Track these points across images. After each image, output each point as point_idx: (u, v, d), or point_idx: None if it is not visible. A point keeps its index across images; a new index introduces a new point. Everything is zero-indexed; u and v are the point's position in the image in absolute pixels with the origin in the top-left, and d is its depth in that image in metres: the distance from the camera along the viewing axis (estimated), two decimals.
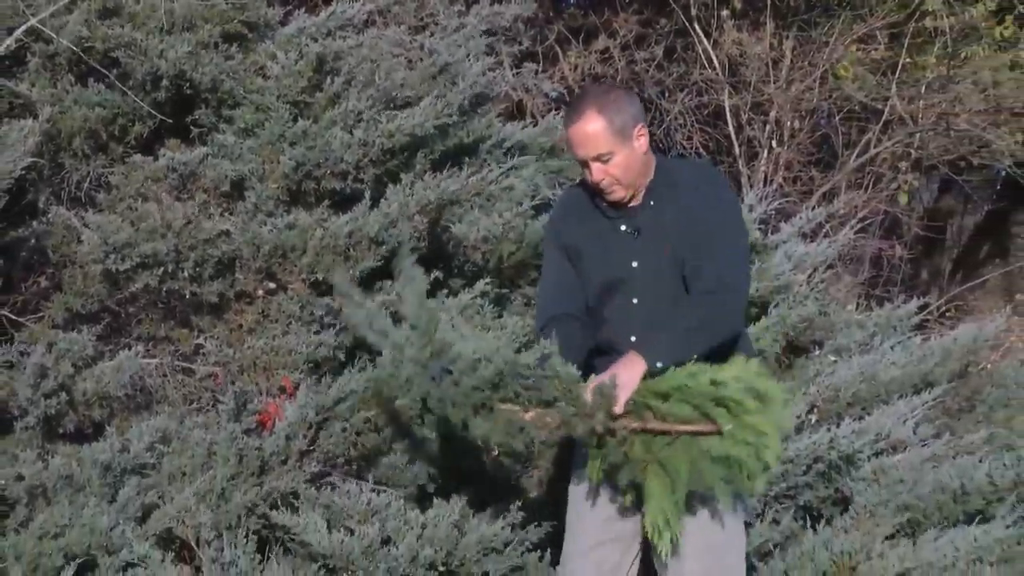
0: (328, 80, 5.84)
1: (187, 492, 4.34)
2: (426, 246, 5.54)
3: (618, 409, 3.41)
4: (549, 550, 4.56)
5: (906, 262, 12.60)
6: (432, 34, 7.22)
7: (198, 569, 4.07)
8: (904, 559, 4.69)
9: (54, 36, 5.45)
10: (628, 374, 3.44)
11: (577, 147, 3.65)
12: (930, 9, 10.47)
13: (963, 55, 10.98)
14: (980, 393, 6.69)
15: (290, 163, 5.49)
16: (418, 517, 4.44)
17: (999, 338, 7.29)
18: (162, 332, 5.24)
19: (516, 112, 9.22)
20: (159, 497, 4.39)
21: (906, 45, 10.88)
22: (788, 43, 11.07)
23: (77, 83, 5.57)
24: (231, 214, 5.44)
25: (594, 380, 3.45)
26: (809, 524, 5.11)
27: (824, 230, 8.74)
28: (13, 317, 4.99)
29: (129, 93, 5.55)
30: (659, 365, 3.46)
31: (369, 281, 5.40)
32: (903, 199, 11.59)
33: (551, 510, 4.55)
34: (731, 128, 11.17)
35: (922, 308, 7.23)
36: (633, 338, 3.65)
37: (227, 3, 5.99)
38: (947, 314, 11.28)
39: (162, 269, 5.06)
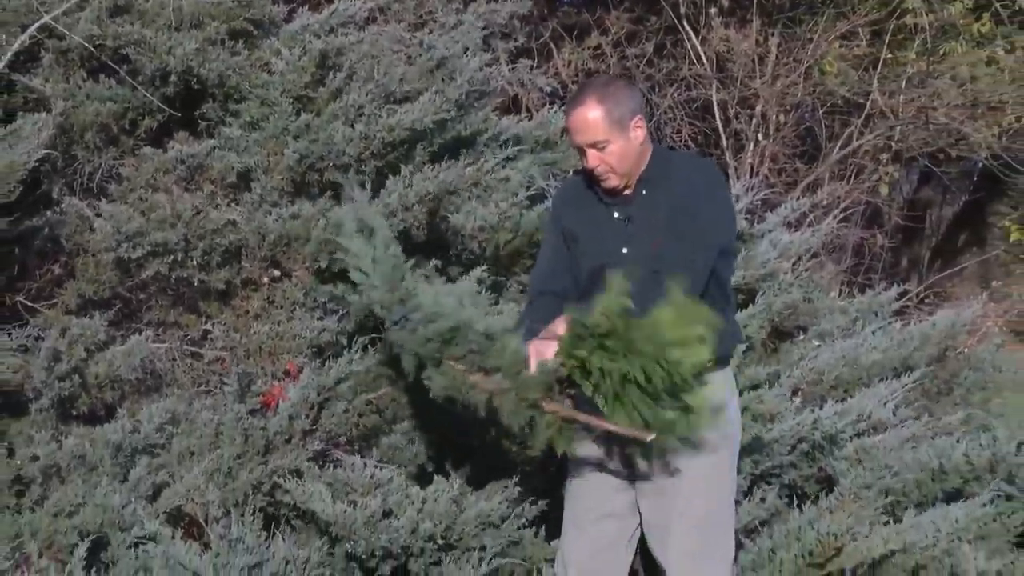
0: (330, 75, 5.83)
1: (196, 471, 4.34)
2: (425, 235, 5.54)
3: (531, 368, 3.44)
4: (544, 526, 4.57)
5: (887, 251, 12.63)
6: (431, 31, 7.21)
7: (207, 545, 4.07)
8: (888, 540, 4.70)
9: (67, 33, 5.44)
10: (544, 344, 3.48)
11: (575, 133, 3.69)
12: (910, 7, 10.48)
13: (942, 51, 11.00)
14: (957, 376, 6.70)
15: (294, 155, 5.49)
16: (418, 492, 4.44)
17: (976, 323, 7.30)
18: (171, 318, 5.23)
19: (512, 106, 9.22)
20: (169, 476, 4.39)
21: (887, 42, 10.90)
22: (773, 40, 11.08)
23: (89, 78, 5.57)
24: (238, 204, 5.44)
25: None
26: (795, 503, 5.12)
27: (808, 220, 8.74)
28: (28, 303, 4.99)
29: (139, 88, 5.55)
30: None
31: None
32: (884, 190, 11.61)
33: (546, 487, 4.56)
34: (719, 122, 11.18)
35: (902, 295, 7.25)
36: None
37: (233, 1, 5.98)
38: (926, 300, 11.29)
39: (172, 257, 5.05)
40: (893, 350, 6.28)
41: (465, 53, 6.74)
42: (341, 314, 5.25)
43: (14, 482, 4.17)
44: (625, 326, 3.33)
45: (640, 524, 3.86)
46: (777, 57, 11.10)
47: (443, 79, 6.37)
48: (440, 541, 4.37)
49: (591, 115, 3.64)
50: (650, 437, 3.36)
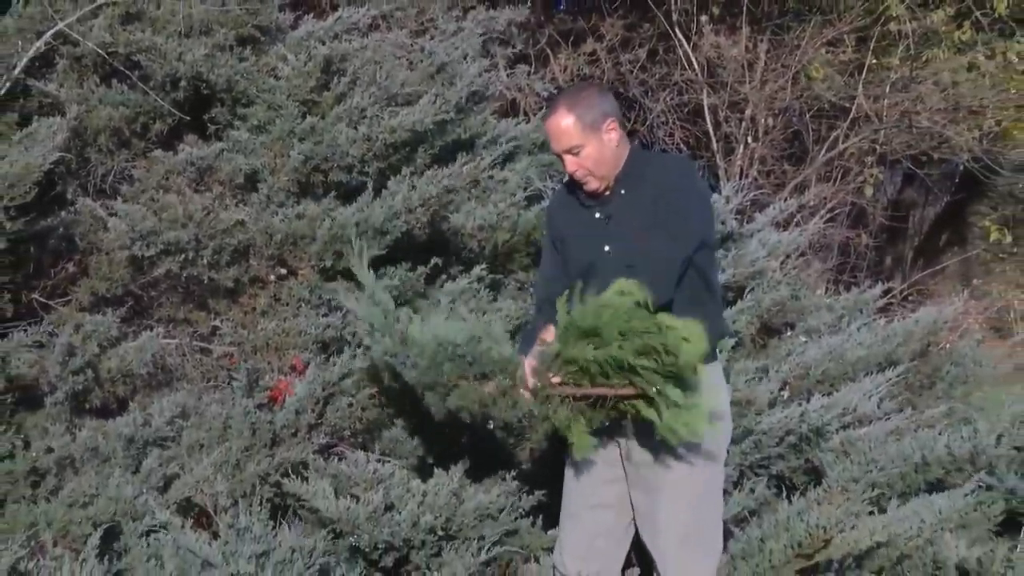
0: (335, 80, 5.83)
1: (205, 463, 4.34)
2: (427, 235, 5.54)
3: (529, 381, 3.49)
4: (541, 516, 4.56)
5: (871, 250, 12.63)
6: (431, 37, 7.21)
7: (215, 534, 4.06)
8: (874, 532, 4.70)
9: (80, 40, 5.44)
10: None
11: (551, 141, 3.74)
12: (894, 14, 10.46)
13: (924, 57, 10.99)
14: (939, 371, 6.70)
15: (299, 157, 5.49)
16: (419, 486, 4.44)
17: (957, 320, 7.30)
18: (181, 314, 5.23)
19: (510, 110, 9.20)
20: (179, 468, 4.39)
21: (872, 48, 10.88)
22: (762, 46, 11.06)
23: (102, 84, 5.57)
24: (245, 205, 5.43)
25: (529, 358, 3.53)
26: (784, 494, 5.11)
27: (796, 220, 8.75)
28: (43, 300, 4.99)
29: (150, 93, 5.54)
30: None
31: (374, 268, 5.39)
32: (868, 191, 11.60)
33: (543, 480, 4.56)
34: (709, 125, 11.16)
35: (886, 292, 7.25)
36: None
37: (241, 9, 5.98)
38: (909, 298, 11.28)
39: (182, 256, 5.05)
40: (877, 346, 6.28)
41: (465, 59, 6.75)
42: (345, 311, 5.25)
43: (30, 473, 4.17)
44: (607, 317, 3.35)
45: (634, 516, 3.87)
46: (766, 63, 11.08)
47: (443, 83, 6.38)
48: (441, 532, 4.36)
49: (563, 123, 3.67)
50: (653, 390, 3.37)
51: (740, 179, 10.08)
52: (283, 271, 5.36)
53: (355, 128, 5.59)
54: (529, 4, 9.20)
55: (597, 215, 3.79)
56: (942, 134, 11.02)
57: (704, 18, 10.96)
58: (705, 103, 11.06)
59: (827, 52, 11.10)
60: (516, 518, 4.52)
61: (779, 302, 6.32)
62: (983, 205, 15.36)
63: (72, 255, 5.17)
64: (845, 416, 5.44)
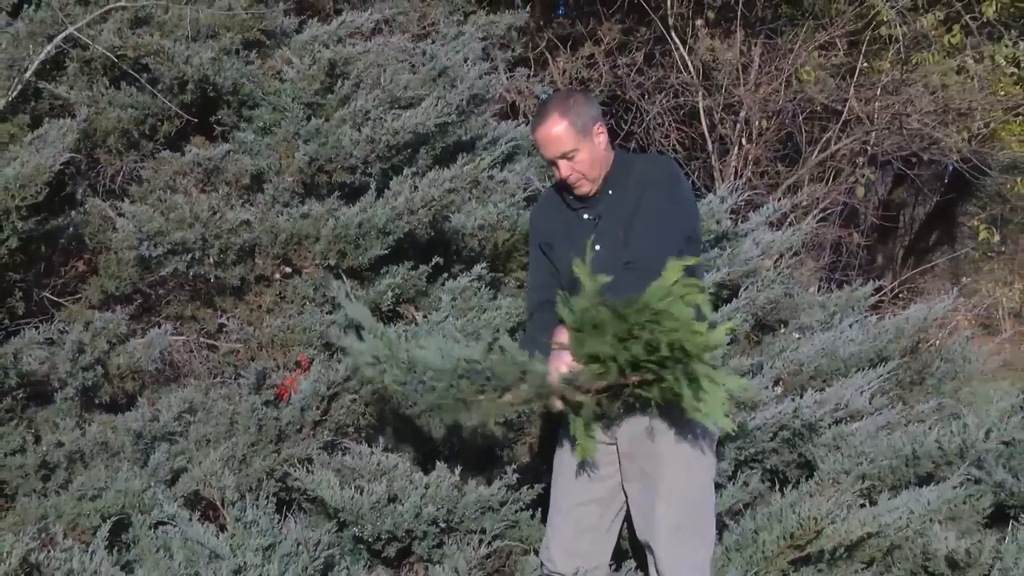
0: (339, 83, 5.83)
1: (212, 457, 4.33)
2: (428, 234, 5.54)
3: (554, 380, 3.41)
4: (540, 509, 4.56)
5: (863, 249, 12.65)
6: (433, 41, 7.21)
7: (223, 527, 4.06)
8: (864, 523, 4.70)
9: (90, 44, 5.44)
10: (556, 359, 3.46)
11: (545, 148, 3.71)
12: (885, 19, 10.46)
13: (914, 61, 10.99)
14: (929, 367, 6.71)
15: (304, 158, 5.48)
16: (422, 478, 4.44)
17: (947, 317, 7.30)
18: (189, 312, 5.23)
19: (510, 112, 9.19)
20: (187, 462, 4.39)
21: (863, 51, 10.89)
22: (756, 50, 11.06)
23: (111, 86, 5.57)
24: (251, 205, 5.43)
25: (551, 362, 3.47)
26: (777, 487, 5.11)
27: (789, 219, 8.75)
28: (53, 298, 4.99)
29: (158, 95, 5.54)
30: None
31: (377, 266, 5.40)
32: (860, 191, 11.60)
33: (542, 473, 4.56)
34: (705, 127, 11.17)
35: (877, 290, 7.26)
36: None
37: (247, 13, 5.98)
38: (900, 296, 11.30)
39: (189, 255, 5.05)
40: (869, 343, 6.28)
41: (465, 62, 6.75)
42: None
43: (40, 467, 4.16)
44: (616, 311, 3.32)
45: (622, 508, 3.86)
46: (760, 66, 11.08)
47: (445, 86, 6.38)
48: (442, 524, 4.36)
49: (556, 128, 3.67)
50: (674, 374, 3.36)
51: (735, 179, 10.09)
52: (288, 269, 5.36)
53: (359, 130, 5.59)
54: (528, 9, 9.22)
55: (586, 216, 3.79)
56: (932, 136, 11.02)
57: (699, 22, 10.96)
58: (700, 105, 11.07)
59: (819, 56, 11.10)
60: (517, 511, 4.52)
61: (773, 300, 6.32)
62: (972, 205, 15.38)
63: (82, 254, 5.17)
64: (837, 411, 5.44)
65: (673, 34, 10.99)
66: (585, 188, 3.75)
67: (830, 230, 11.42)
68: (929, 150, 11.50)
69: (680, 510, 3.73)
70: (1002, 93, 11.15)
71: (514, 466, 4.64)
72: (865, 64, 11.05)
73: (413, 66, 6.61)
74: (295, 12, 6.63)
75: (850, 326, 6.50)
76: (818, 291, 8.26)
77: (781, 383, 5.74)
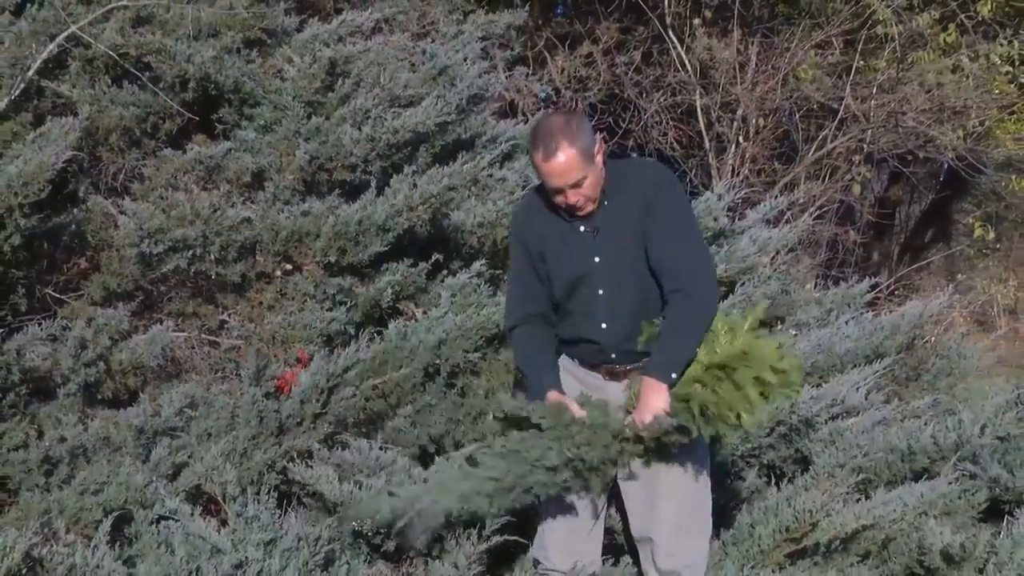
0: (339, 81, 5.83)
1: (213, 452, 4.33)
2: (428, 231, 5.54)
3: (647, 422, 3.48)
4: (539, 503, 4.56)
5: (859, 246, 12.66)
6: (433, 40, 7.20)
7: (224, 522, 4.06)
8: (860, 516, 4.71)
9: (92, 42, 5.43)
10: (656, 400, 3.49)
11: (555, 178, 3.57)
12: (881, 18, 10.47)
13: (910, 59, 11.00)
14: (925, 363, 6.72)
15: (305, 156, 5.48)
16: (420, 473, 4.43)
17: (942, 314, 7.31)
18: (190, 309, 5.23)
19: (509, 111, 9.20)
20: (188, 457, 4.38)
21: (859, 50, 10.89)
22: (753, 48, 11.06)
23: (113, 85, 5.57)
24: (252, 202, 5.43)
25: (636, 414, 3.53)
26: (773, 482, 5.12)
27: (786, 217, 8.73)
28: (56, 295, 4.99)
29: (160, 93, 5.54)
30: (674, 376, 3.50)
31: (377, 263, 5.40)
32: (856, 189, 11.61)
33: None
34: (702, 125, 11.17)
35: (873, 287, 7.26)
36: (604, 325, 3.66)
37: (248, 12, 5.98)
38: (896, 293, 11.32)
39: (191, 252, 5.04)
40: (865, 339, 6.29)
41: (465, 61, 6.75)
42: (349, 305, 5.25)
43: (43, 462, 4.16)
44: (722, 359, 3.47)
45: (606, 503, 3.87)
46: (757, 65, 11.08)
47: (444, 85, 6.38)
48: (441, 519, 4.36)
49: (567, 159, 3.53)
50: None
51: (732, 177, 10.10)
52: (289, 267, 5.36)
53: (359, 128, 5.59)
54: (527, 8, 9.22)
55: (583, 228, 3.69)
56: (927, 134, 11.03)
57: (697, 21, 10.96)
58: (698, 104, 11.07)
59: (816, 54, 11.11)
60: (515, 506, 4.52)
61: (769, 296, 6.31)
62: (967, 203, 15.38)
63: (84, 251, 5.17)
64: (834, 407, 5.44)
65: (671, 33, 10.99)
66: (589, 209, 3.65)
67: (826, 227, 11.42)
68: (925, 148, 11.50)
69: (681, 505, 3.74)
70: (997, 91, 11.16)
71: None
72: (861, 63, 11.05)
73: (413, 65, 6.61)
74: (296, 11, 6.63)
75: (846, 323, 6.51)
76: (815, 288, 8.28)
77: None
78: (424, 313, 5.27)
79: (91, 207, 5.19)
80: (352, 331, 5.17)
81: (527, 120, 7.46)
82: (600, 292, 3.66)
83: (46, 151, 4.70)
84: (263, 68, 5.88)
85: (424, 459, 4.74)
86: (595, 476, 3.53)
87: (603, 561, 4.05)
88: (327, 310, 5.19)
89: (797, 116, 11.29)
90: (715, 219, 6.67)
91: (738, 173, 10.64)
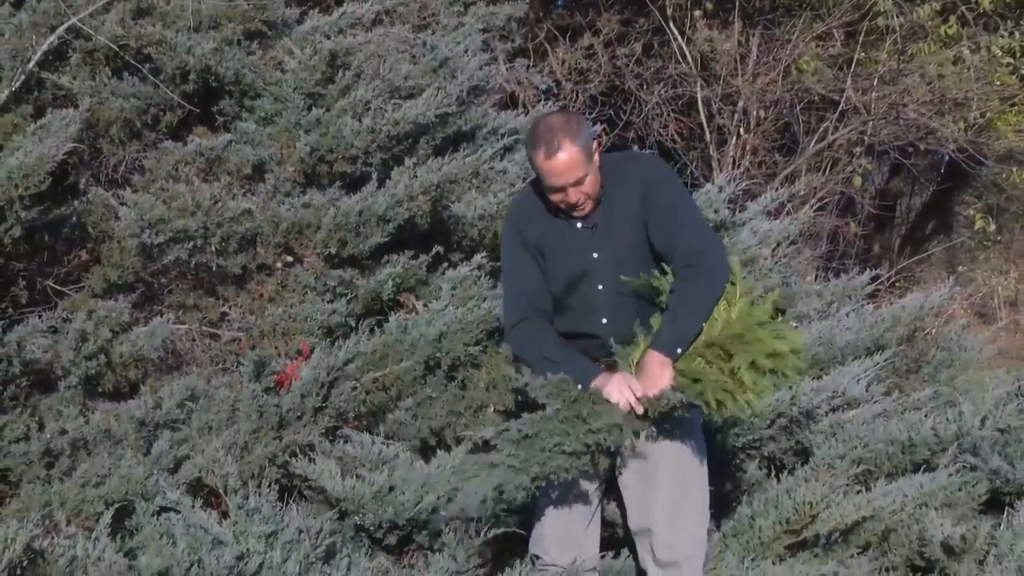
0: (339, 73, 5.82)
1: (214, 444, 4.33)
2: (429, 223, 5.54)
3: (651, 395, 3.45)
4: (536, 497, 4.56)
5: (860, 238, 12.67)
6: (433, 32, 7.19)
7: (225, 515, 4.06)
8: (860, 507, 4.71)
9: (93, 34, 5.43)
10: (662, 374, 3.46)
11: (558, 177, 3.55)
12: (882, 10, 10.47)
13: (911, 51, 11.00)
14: (926, 355, 6.71)
15: (305, 148, 5.48)
16: (422, 467, 4.44)
17: (943, 306, 7.30)
18: (191, 301, 5.23)
19: (509, 102, 9.19)
20: (189, 449, 4.38)
21: (860, 42, 10.90)
22: (754, 40, 11.07)
23: (114, 76, 5.56)
24: (253, 194, 5.43)
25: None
26: (773, 473, 5.12)
27: (786, 209, 8.74)
28: (56, 287, 4.99)
29: (160, 85, 5.54)
30: (679, 351, 3.48)
31: (378, 255, 5.39)
32: (857, 181, 11.61)
33: None
34: (703, 117, 11.17)
35: (874, 279, 7.26)
36: (605, 320, 3.65)
37: (248, 4, 5.97)
38: (896, 284, 11.32)
39: (191, 244, 5.04)
40: (866, 331, 6.28)
41: (465, 53, 6.73)
42: (350, 297, 5.24)
43: (44, 454, 4.16)
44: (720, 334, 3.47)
45: (602, 496, 3.87)
46: (758, 56, 11.09)
47: (445, 77, 6.36)
48: (443, 513, 4.36)
49: (570, 157, 3.51)
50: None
51: (732, 169, 10.10)
52: (289, 259, 5.36)
53: (359, 120, 5.58)
54: (528, 0, 9.19)
55: (580, 225, 3.68)
56: (928, 126, 11.04)
57: (698, 13, 10.97)
58: (699, 96, 11.07)
59: (817, 46, 11.11)
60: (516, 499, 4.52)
61: (770, 288, 6.30)
62: (968, 194, 15.37)
63: (84, 243, 5.17)
64: (834, 399, 5.44)
65: (671, 25, 10.99)
66: (588, 208, 3.65)
67: (827, 219, 11.43)
68: (926, 140, 11.52)
69: (678, 495, 3.74)
70: (998, 83, 11.17)
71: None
72: (862, 55, 11.06)
73: (414, 57, 6.59)
74: (296, 3, 6.62)
75: (847, 315, 6.50)
76: (815, 280, 8.28)
77: None
78: (425, 306, 5.27)
79: (92, 199, 5.19)
80: (353, 323, 5.17)
81: (528, 112, 7.44)
82: (600, 287, 3.65)
83: (47, 143, 4.70)
84: (264, 60, 5.87)
85: (425, 452, 4.74)
86: (603, 456, 3.52)
87: (603, 555, 4.04)
88: (328, 302, 5.19)
89: (798, 108, 11.30)
90: (716, 211, 6.66)
91: (739, 165, 10.65)
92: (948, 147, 11.54)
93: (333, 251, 5.29)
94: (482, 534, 4.17)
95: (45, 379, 4.52)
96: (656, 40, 11.36)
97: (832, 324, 6.24)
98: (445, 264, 5.53)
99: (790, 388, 5.14)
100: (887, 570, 4.83)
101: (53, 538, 3.70)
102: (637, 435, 3.56)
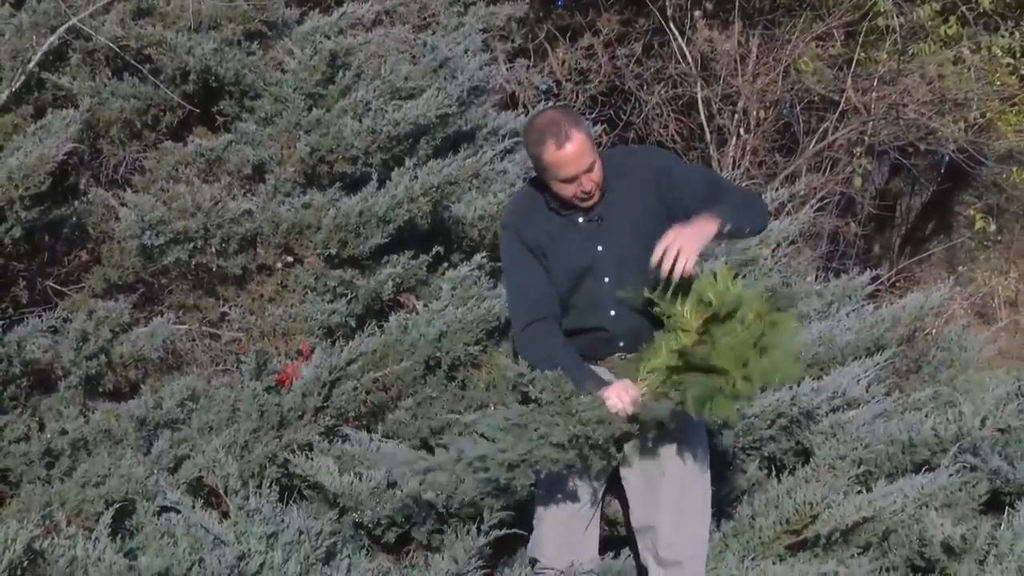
0: (340, 74, 5.83)
1: (214, 444, 4.33)
2: (429, 224, 5.54)
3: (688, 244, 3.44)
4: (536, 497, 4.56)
5: (860, 238, 12.66)
6: (433, 32, 7.20)
7: (225, 514, 4.06)
8: (860, 508, 4.71)
9: (93, 34, 5.43)
10: (705, 226, 3.47)
11: (571, 166, 3.54)
12: (881, 10, 10.47)
13: (911, 51, 10.99)
14: (926, 355, 6.71)
15: (305, 149, 5.48)
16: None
17: (943, 306, 7.31)
18: (191, 301, 5.23)
19: (510, 103, 9.19)
20: (189, 449, 4.39)
21: (860, 42, 10.90)
22: (754, 40, 11.07)
23: (114, 77, 5.57)
24: (253, 195, 5.43)
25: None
26: (774, 474, 5.12)
27: (787, 209, 8.74)
28: (57, 287, 4.99)
29: (161, 86, 5.54)
30: (728, 226, 3.50)
31: (378, 255, 5.40)
32: (857, 181, 11.61)
33: None
34: (703, 117, 11.17)
35: (874, 279, 7.25)
36: (612, 312, 3.64)
37: (249, 4, 5.98)
38: (896, 284, 11.32)
39: (191, 244, 5.05)
40: (866, 331, 6.28)
41: (466, 53, 6.74)
42: (350, 298, 5.25)
43: (44, 454, 4.17)
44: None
45: (601, 497, 3.87)
46: (758, 57, 11.09)
47: (445, 77, 6.37)
48: (441, 510, 4.36)
49: (580, 142, 3.52)
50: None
51: (733, 169, 10.11)
52: (290, 259, 5.36)
53: (360, 120, 5.59)
54: (528, 0, 9.20)
55: (581, 220, 3.67)
56: (928, 126, 11.04)
57: (698, 13, 10.97)
58: (699, 96, 11.07)
59: (817, 46, 11.11)
60: (515, 498, 4.52)
61: (771, 289, 6.31)
62: (968, 194, 15.36)
63: (85, 243, 5.18)
64: (835, 399, 5.44)
65: (671, 25, 10.99)
66: (596, 198, 3.66)
67: (827, 220, 11.42)
68: (926, 140, 11.51)
69: (683, 492, 3.74)
70: (998, 83, 11.16)
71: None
72: (862, 55, 11.06)
73: (414, 57, 6.60)
74: (296, 3, 6.63)
75: (847, 315, 6.50)
76: (815, 280, 8.27)
77: None
78: (425, 306, 5.27)
79: (92, 199, 5.19)
80: (353, 324, 5.18)
81: (528, 112, 7.44)
82: (606, 280, 3.65)
83: (47, 143, 4.70)
84: (264, 60, 5.88)
85: (426, 450, 4.74)
86: (597, 457, 3.51)
87: (603, 556, 4.05)
88: (328, 302, 5.19)
89: (798, 108, 11.31)
90: None
91: (739, 165, 10.65)
92: (948, 147, 11.54)
93: (333, 251, 5.29)
94: (482, 534, 4.17)
95: (45, 379, 4.52)
96: (656, 40, 11.36)
97: (832, 324, 6.24)
98: (445, 264, 5.53)
99: (790, 387, 5.16)
100: (887, 570, 4.83)
101: (53, 538, 3.70)
102: (627, 438, 3.56)
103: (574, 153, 3.52)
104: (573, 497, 3.78)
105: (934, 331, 7.07)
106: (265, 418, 4.53)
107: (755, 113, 11.02)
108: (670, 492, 3.73)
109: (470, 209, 5.69)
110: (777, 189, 7.79)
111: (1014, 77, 11.25)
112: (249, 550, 3.84)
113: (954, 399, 5.97)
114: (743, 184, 7.23)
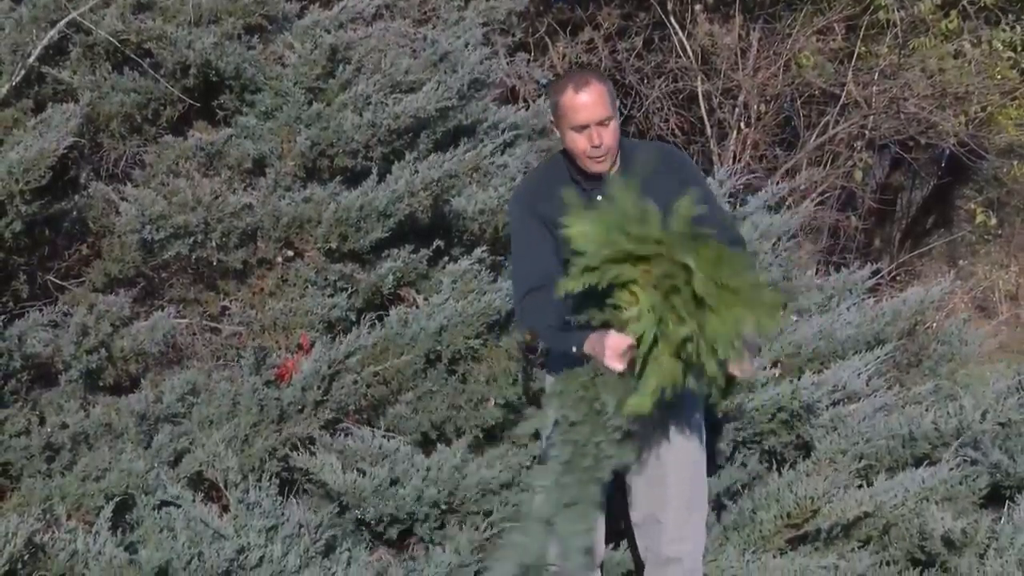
0: (340, 68, 5.82)
1: (215, 438, 4.33)
2: (429, 218, 5.53)
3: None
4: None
5: (860, 232, 12.66)
6: (434, 26, 7.19)
7: (225, 508, 4.07)
8: (861, 502, 4.71)
9: (93, 28, 5.43)
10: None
11: (586, 111, 3.57)
12: (882, 4, 10.46)
13: (912, 45, 10.98)
14: (926, 349, 6.70)
15: (306, 143, 5.47)
16: (423, 461, 4.44)
17: (943, 300, 7.30)
18: (192, 295, 5.23)
19: (510, 97, 9.18)
20: (190, 443, 4.39)
21: (861, 36, 10.89)
22: (755, 34, 11.05)
23: (114, 71, 5.56)
24: (253, 189, 5.42)
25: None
26: (774, 467, 5.12)
27: (787, 203, 8.73)
28: (57, 281, 4.99)
29: (161, 80, 5.54)
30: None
31: (378, 249, 5.39)
32: (858, 175, 11.60)
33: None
34: (703, 111, 11.16)
35: (875, 273, 7.23)
36: None
37: None
38: (897, 278, 11.32)
39: (192, 239, 5.04)
40: (866, 325, 6.27)
41: (466, 47, 6.74)
42: (350, 292, 5.24)
43: (45, 448, 4.17)
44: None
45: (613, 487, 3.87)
46: (758, 51, 11.07)
47: (445, 71, 6.36)
48: (444, 507, 4.37)
49: (599, 91, 3.56)
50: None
51: (733, 163, 10.08)
52: (290, 253, 5.35)
53: (360, 114, 5.58)
54: None
55: (600, 197, 3.67)
56: (929, 120, 11.02)
57: (698, 7, 10.95)
58: (699, 90, 11.06)
59: (818, 40, 11.09)
60: (518, 493, 4.52)
61: (771, 283, 6.30)
62: (969, 188, 15.36)
63: (85, 238, 5.17)
64: (835, 393, 5.43)
65: (672, 19, 10.98)
66: (605, 165, 3.63)
67: (828, 214, 11.42)
68: (926, 134, 11.50)
69: (687, 482, 3.78)
70: (999, 77, 11.14)
71: (515, 448, 4.65)
72: (863, 49, 11.04)
73: (414, 51, 6.59)
74: None
75: (848, 309, 6.49)
76: (816, 274, 8.25)
77: (779, 365, 5.73)
78: (425, 300, 5.27)
79: (92, 194, 5.19)
80: (353, 317, 5.17)
81: (528, 107, 7.43)
82: None
83: (47, 137, 4.70)
84: (264, 55, 5.87)
85: (426, 446, 4.75)
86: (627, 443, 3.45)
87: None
88: (328, 296, 5.19)
89: (799, 102, 11.29)
90: None
91: (739, 159, 10.64)
92: (949, 141, 11.52)
93: (334, 246, 5.29)
94: (485, 529, 4.18)
95: (46, 373, 4.52)
96: (656, 34, 11.34)
97: (833, 318, 6.23)
98: (445, 258, 5.53)
99: (791, 380, 5.15)
100: (888, 564, 4.83)
101: (54, 532, 3.71)
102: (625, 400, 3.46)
103: (591, 100, 3.55)
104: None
105: (935, 325, 7.05)
106: (265, 412, 4.53)
107: (756, 107, 11.01)
108: (675, 488, 3.75)
109: (470, 203, 5.68)
110: (778, 183, 7.79)
111: (1015, 71, 11.23)
112: (248, 544, 3.85)
113: (955, 393, 5.97)
114: (742, 182, 7.20)
